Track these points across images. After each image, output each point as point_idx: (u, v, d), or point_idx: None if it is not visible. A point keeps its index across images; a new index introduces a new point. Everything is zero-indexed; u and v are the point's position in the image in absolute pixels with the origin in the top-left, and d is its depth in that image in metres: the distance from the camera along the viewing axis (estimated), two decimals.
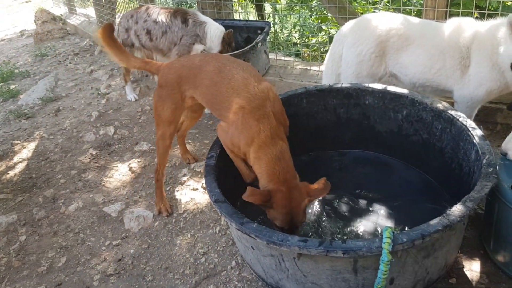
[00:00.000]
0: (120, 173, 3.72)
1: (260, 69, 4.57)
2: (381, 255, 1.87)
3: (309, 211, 2.74)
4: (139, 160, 3.86)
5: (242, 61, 2.77)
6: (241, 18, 6.21)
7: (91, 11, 8.50)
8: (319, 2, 7.32)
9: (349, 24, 3.43)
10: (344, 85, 3.15)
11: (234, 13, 5.93)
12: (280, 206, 2.25)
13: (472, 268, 2.39)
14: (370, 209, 2.78)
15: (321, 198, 2.37)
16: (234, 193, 2.71)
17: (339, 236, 2.60)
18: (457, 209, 2.01)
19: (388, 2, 5.20)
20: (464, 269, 2.38)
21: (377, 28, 3.22)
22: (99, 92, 5.47)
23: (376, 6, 6.83)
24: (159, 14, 4.25)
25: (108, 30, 2.92)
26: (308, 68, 4.67)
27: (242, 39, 4.77)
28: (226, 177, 2.64)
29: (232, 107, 2.52)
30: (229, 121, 2.55)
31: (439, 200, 2.74)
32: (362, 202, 2.85)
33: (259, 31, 4.52)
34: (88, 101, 5.28)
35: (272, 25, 8.32)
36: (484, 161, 2.28)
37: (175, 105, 2.82)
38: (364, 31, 3.27)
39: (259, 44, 4.35)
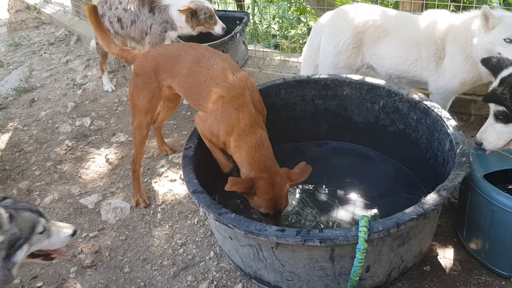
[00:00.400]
0: (97, 164, 3.67)
1: (239, 60, 4.55)
2: (357, 244, 1.90)
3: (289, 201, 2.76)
4: (116, 151, 3.81)
5: (220, 52, 2.76)
6: (220, 9, 6.14)
7: (66, 0, 8.31)
8: None
9: (327, 16, 3.44)
10: (322, 76, 3.16)
11: (213, 4, 5.87)
12: (263, 192, 2.27)
13: (446, 256, 2.44)
14: (348, 198, 2.81)
15: (301, 182, 2.39)
16: (212, 184, 2.71)
17: (316, 225, 2.62)
18: (431, 198, 2.05)
19: None
20: (438, 257, 2.44)
21: (354, 19, 3.23)
22: (75, 83, 5.37)
23: None
24: (128, 2, 4.16)
25: (94, 9, 2.89)
26: (287, 59, 4.68)
27: None
28: (204, 168, 2.63)
29: (211, 97, 2.51)
30: (208, 111, 2.54)
31: (415, 189, 2.79)
32: (340, 192, 2.88)
33: (238, 22, 4.49)
34: (63, 92, 5.18)
35: (251, 17, 8.30)
36: (458, 151, 2.32)
37: (152, 94, 2.79)
38: (341, 23, 3.28)
39: (238, 34, 4.32)
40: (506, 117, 2.05)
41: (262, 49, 4.99)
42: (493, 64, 2.23)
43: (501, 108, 2.02)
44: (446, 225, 2.64)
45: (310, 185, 2.94)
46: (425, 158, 2.79)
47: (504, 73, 2.11)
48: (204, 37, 4.57)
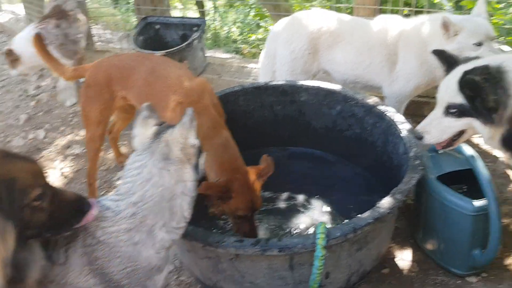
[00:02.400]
0: (52, 178, 3.53)
1: (198, 67, 4.51)
2: (315, 251, 1.90)
3: None
4: (72, 164, 3.68)
5: (175, 61, 2.74)
6: (182, 15, 6.10)
7: (19, 8, 8.01)
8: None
9: (282, 22, 3.46)
10: (279, 83, 3.18)
11: (173, 10, 5.82)
12: (241, 194, 2.23)
13: (404, 257, 2.48)
14: (308, 204, 2.83)
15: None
16: None
17: (278, 233, 2.61)
18: (386, 202, 2.08)
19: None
20: (396, 259, 2.48)
21: (309, 26, 3.26)
22: (28, 94, 5.17)
23: (312, 3, 6.95)
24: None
25: (39, 42, 2.78)
26: (246, 65, 4.68)
27: (178, 37, 4.68)
28: None
29: (169, 105, 2.47)
30: (168, 120, 2.49)
31: (373, 192, 2.80)
32: (300, 198, 2.88)
33: (195, 28, 4.45)
34: (16, 104, 4.98)
35: (212, 22, 8.29)
36: (412, 153, 2.37)
37: (104, 105, 2.72)
38: (296, 29, 3.31)
39: (195, 41, 4.28)
40: (461, 111, 1.98)
41: (221, 55, 4.96)
42: (448, 56, 2.16)
43: (459, 100, 1.95)
44: (403, 227, 2.68)
45: (271, 192, 2.93)
46: (382, 162, 2.83)
47: (467, 67, 1.98)
48: (160, 45, 4.52)
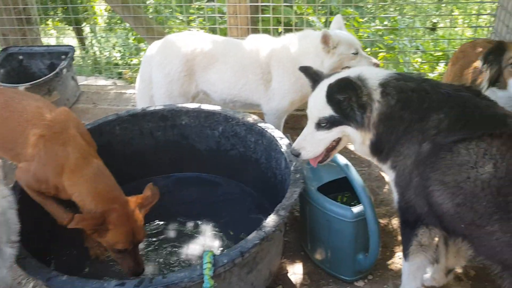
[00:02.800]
0: None
1: (70, 97, 4.21)
2: (204, 282, 1.82)
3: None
4: None
5: (31, 93, 2.50)
6: (57, 43, 5.69)
7: None
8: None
9: (155, 46, 3.38)
10: (157, 108, 3.07)
11: (48, 38, 5.39)
12: (118, 225, 2.07)
13: (295, 271, 2.51)
14: (198, 231, 2.74)
15: (153, 205, 2.27)
16: (46, 245, 2.43)
17: (167, 267, 2.48)
18: (271, 220, 2.08)
19: (204, 20, 5.32)
20: (288, 274, 2.49)
21: (182, 47, 3.22)
22: None
23: (191, 24, 6.95)
24: None
25: None
26: (124, 91, 4.48)
27: (45, 66, 4.33)
28: (32, 227, 2.30)
29: (30, 140, 2.24)
30: (29, 157, 2.25)
31: (262, 209, 2.82)
32: (190, 225, 2.79)
33: (63, 57, 4.15)
34: None
35: (91, 47, 7.89)
36: (292, 168, 2.42)
37: None
38: (170, 51, 3.25)
39: (64, 70, 4.00)
40: (332, 122, 2.04)
41: (97, 83, 4.69)
42: (313, 73, 2.25)
43: (328, 113, 2.01)
44: (293, 240, 2.72)
45: (158, 222, 2.79)
46: (267, 178, 2.86)
47: (330, 81, 2.04)
48: (25, 77, 4.15)
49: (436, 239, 2.04)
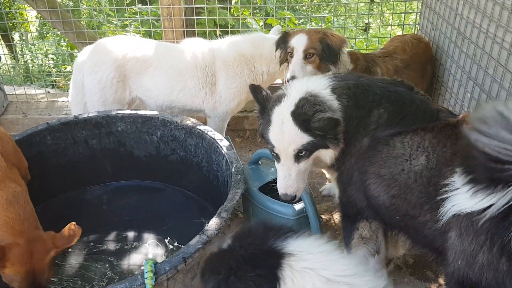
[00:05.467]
0: None
1: None
2: None
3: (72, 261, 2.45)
4: None
5: None
6: None
7: None
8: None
9: (86, 51, 3.24)
10: (91, 115, 2.95)
11: None
12: (16, 263, 1.90)
13: None
14: (139, 241, 2.65)
15: (70, 246, 2.08)
16: None
17: (106, 279, 2.38)
18: (214, 223, 2.05)
19: (139, 25, 5.20)
20: None
21: (113, 52, 3.11)
22: None
23: (126, 29, 6.77)
24: None
25: None
26: (56, 99, 4.26)
27: None
28: None
29: None
30: None
31: (205, 213, 2.79)
32: (131, 235, 2.70)
33: None
34: None
35: (21, 56, 7.44)
36: (233, 169, 2.40)
37: None
38: (101, 57, 3.12)
39: None
40: (311, 149, 1.94)
41: (29, 92, 4.42)
42: (262, 97, 2.09)
43: (306, 141, 1.90)
44: None
45: (96, 234, 2.68)
46: (209, 181, 2.83)
47: (289, 107, 1.92)
48: None
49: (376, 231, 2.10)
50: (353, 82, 1.96)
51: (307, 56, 2.70)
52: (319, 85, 1.96)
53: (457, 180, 1.52)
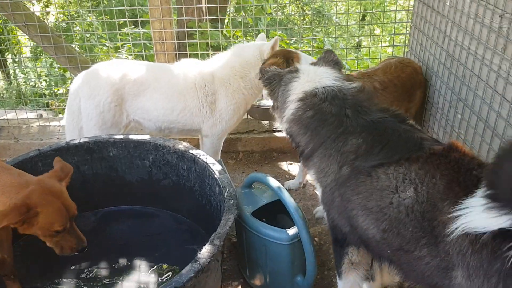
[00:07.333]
0: None
1: None
2: None
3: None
4: None
5: None
6: None
7: None
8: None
9: (82, 76, 3.25)
10: (82, 140, 2.93)
11: None
12: (46, 204, 1.92)
13: None
14: (132, 268, 2.62)
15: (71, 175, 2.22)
16: None
17: None
18: (206, 250, 2.02)
19: (131, 47, 5.23)
20: None
21: (110, 76, 3.13)
22: None
23: (119, 51, 6.79)
24: None
25: None
26: (48, 124, 4.25)
27: None
28: None
29: None
30: None
31: (198, 239, 2.76)
32: (123, 262, 2.66)
33: None
34: None
35: (14, 78, 7.44)
36: (226, 194, 2.38)
37: None
38: (98, 81, 3.13)
39: None
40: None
41: (20, 116, 4.40)
42: None
43: None
44: (232, 267, 2.68)
45: (88, 261, 2.64)
46: (202, 206, 2.80)
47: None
48: None
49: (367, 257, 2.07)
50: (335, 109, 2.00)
51: None
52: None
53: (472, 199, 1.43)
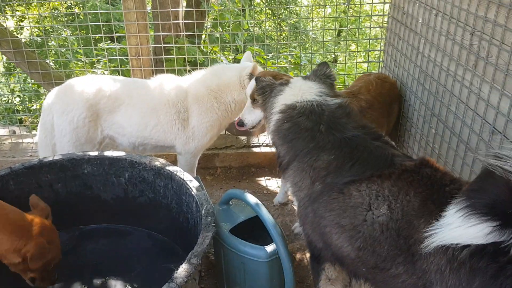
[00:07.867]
0: None
1: None
2: None
3: None
4: None
5: None
6: None
7: None
8: None
9: (55, 91, 3.19)
10: (56, 158, 2.86)
11: None
12: (53, 240, 2.26)
13: None
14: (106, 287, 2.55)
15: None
16: None
17: None
18: (183, 269, 1.98)
19: (107, 62, 5.18)
20: None
21: (84, 92, 3.09)
22: None
23: (94, 66, 6.73)
24: None
25: None
26: (20, 141, 4.15)
27: None
28: None
29: None
30: None
31: (175, 257, 2.71)
32: (97, 283, 2.59)
33: None
34: None
35: None
36: (203, 211, 2.35)
37: None
38: (71, 97, 3.09)
39: None
40: None
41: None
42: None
43: None
44: (210, 286, 2.64)
45: (61, 283, 2.55)
46: (179, 223, 2.76)
47: None
48: None
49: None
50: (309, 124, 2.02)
51: (254, 101, 2.74)
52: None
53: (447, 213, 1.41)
